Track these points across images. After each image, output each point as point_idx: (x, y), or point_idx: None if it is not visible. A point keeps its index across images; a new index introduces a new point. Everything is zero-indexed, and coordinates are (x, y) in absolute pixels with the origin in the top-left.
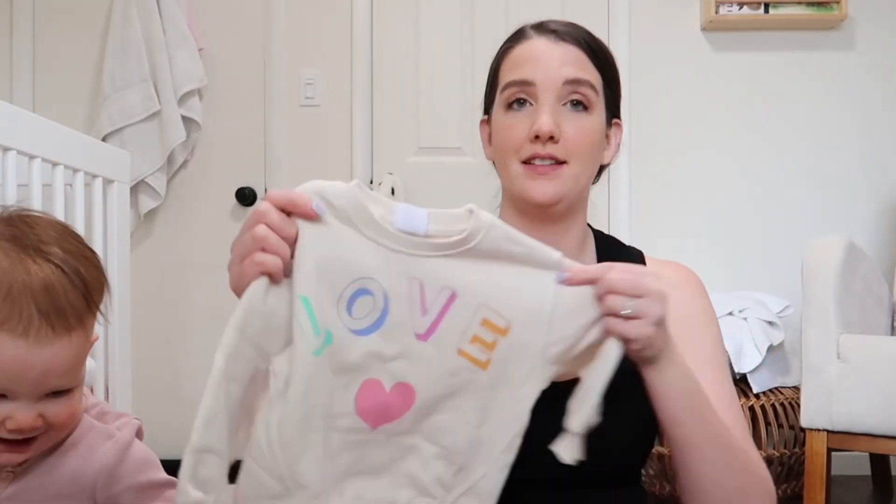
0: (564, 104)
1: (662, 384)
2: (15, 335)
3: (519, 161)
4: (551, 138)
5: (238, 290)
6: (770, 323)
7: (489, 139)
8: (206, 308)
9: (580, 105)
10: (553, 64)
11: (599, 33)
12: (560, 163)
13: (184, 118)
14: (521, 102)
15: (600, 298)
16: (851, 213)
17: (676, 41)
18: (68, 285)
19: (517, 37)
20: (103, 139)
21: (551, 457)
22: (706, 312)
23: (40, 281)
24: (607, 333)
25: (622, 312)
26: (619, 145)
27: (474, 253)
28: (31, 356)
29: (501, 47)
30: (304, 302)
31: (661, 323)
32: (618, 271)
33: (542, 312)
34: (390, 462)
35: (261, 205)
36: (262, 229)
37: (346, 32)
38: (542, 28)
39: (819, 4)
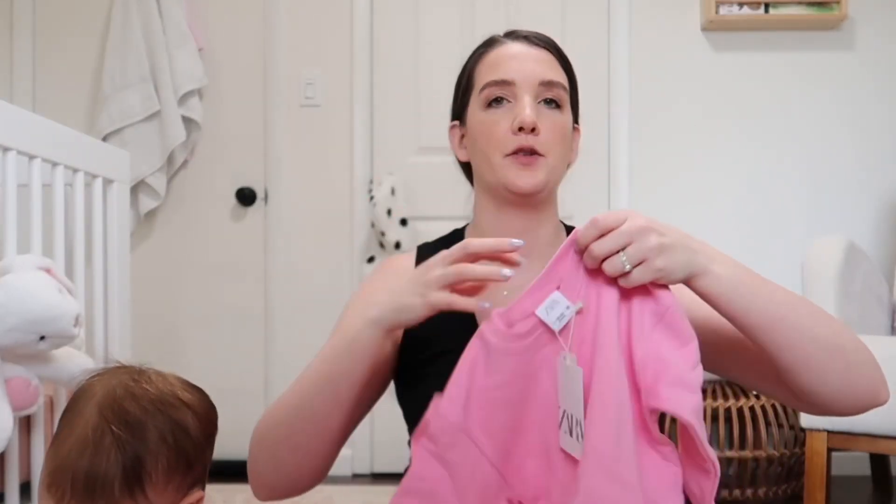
0: (539, 102)
1: (713, 286)
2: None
3: (503, 155)
4: (533, 130)
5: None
6: None
7: (460, 142)
8: (206, 308)
9: (553, 103)
10: (529, 64)
11: (599, 33)
12: (539, 155)
13: (184, 118)
14: (499, 101)
15: (601, 272)
16: (851, 213)
17: (676, 41)
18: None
19: (490, 43)
20: (103, 139)
21: None
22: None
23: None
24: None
25: (626, 270)
26: (577, 149)
27: None
28: None
29: (474, 53)
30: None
31: (664, 248)
32: (597, 241)
33: None
34: None
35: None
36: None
37: (346, 32)
38: (513, 34)
39: (819, 4)
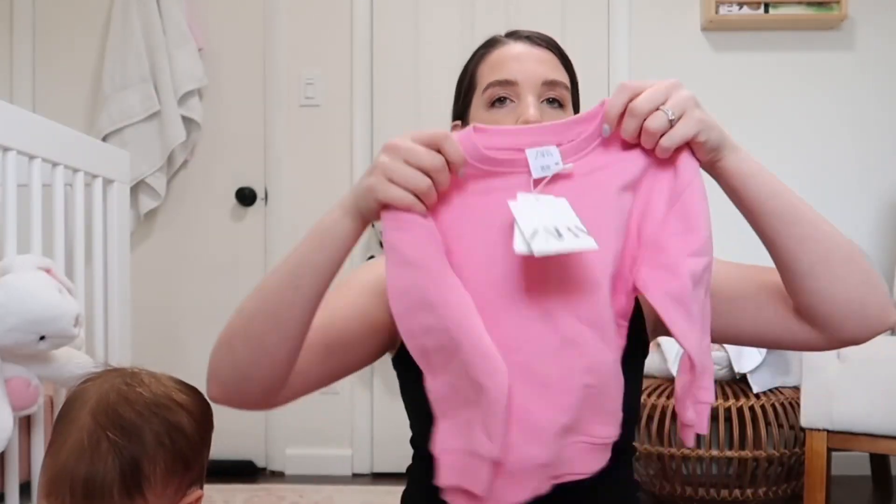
0: (542, 101)
1: (744, 163)
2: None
3: None
4: None
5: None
6: None
7: None
8: (206, 308)
9: (556, 103)
10: (532, 64)
11: (599, 33)
12: None
13: (184, 118)
14: (502, 101)
15: (641, 130)
16: (851, 213)
17: (676, 41)
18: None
19: (492, 43)
20: (103, 139)
21: None
22: None
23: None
24: (669, 150)
25: (669, 119)
26: None
27: None
28: None
29: (476, 53)
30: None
31: (698, 103)
32: (635, 99)
33: None
34: None
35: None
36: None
37: (346, 32)
38: (515, 34)
39: (819, 4)
